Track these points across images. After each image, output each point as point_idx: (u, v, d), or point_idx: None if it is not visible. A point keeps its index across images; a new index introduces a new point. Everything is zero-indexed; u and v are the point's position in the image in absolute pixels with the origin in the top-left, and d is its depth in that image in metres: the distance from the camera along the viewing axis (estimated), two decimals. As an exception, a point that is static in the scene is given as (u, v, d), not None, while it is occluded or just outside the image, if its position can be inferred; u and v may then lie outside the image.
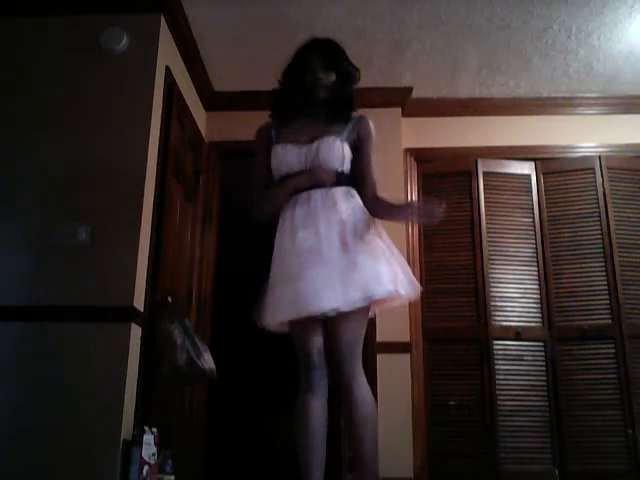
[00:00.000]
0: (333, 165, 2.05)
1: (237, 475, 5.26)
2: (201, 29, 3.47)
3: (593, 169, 3.98)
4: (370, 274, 1.91)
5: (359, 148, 2.12)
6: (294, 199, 2.06)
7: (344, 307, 1.86)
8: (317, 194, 2.03)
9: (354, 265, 1.91)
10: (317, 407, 1.99)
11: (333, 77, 2.16)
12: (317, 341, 2.00)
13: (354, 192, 2.10)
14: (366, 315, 2.01)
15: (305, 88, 2.14)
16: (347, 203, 2.04)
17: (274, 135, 2.17)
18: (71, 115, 3.00)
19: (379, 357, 3.59)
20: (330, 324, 1.96)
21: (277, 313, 1.97)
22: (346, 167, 2.09)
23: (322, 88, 2.13)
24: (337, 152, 2.05)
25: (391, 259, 2.02)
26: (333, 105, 2.15)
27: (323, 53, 2.16)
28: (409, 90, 4.03)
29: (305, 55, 2.18)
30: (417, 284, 2.06)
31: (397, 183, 3.92)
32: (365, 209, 2.07)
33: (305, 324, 1.97)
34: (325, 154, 2.04)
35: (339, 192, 2.05)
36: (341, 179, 2.07)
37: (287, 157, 2.08)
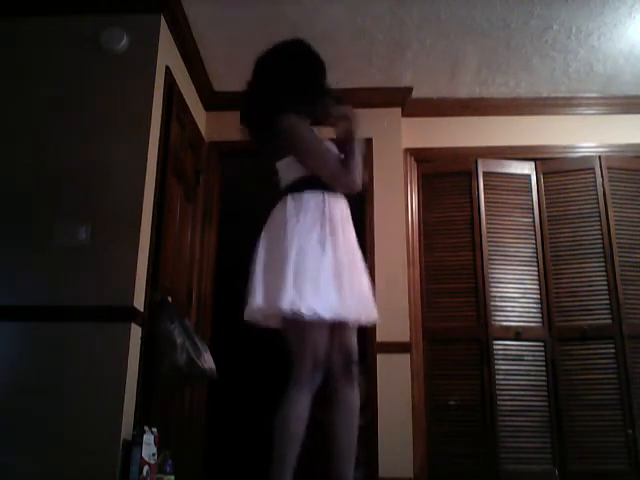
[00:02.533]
0: None
1: (237, 475, 5.26)
2: (201, 29, 3.47)
3: (593, 169, 3.98)
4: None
5: None
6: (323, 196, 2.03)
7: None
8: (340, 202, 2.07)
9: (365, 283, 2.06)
10: (307, 407, 1.99)
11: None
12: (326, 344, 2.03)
13: None
14: None
15: (323, 95, 2.16)
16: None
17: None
18: (71, 115, 3.00)
19: (379, 357, 3.59)
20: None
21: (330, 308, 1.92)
22: None
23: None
24: None
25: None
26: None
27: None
28: (409, 90, 4.03)
29: (320, 62, 2.19)
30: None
31: (397, 183, 3.92)
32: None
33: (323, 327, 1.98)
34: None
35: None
36: None
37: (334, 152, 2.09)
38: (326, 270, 1.92)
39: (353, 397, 2.03)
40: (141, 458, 2.51)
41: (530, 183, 4.02)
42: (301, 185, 2.05)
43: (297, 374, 1.97)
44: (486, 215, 3.91)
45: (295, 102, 2.11)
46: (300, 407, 1.97)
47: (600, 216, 3.87)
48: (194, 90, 3.81)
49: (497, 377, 3.63)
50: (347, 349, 2.04)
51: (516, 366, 3.67)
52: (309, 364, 1.97)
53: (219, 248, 3.98)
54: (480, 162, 4.03)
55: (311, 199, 2.01)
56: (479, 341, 3.71)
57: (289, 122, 2.03)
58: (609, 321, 3.70)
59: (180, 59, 3.49)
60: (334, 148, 2.09)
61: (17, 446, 2.54)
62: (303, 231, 1.96)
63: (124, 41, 3.07)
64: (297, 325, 1.92)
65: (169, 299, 3.02)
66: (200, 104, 3.96)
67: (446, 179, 4.06)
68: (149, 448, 2.55)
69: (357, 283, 2.00)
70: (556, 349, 3.70)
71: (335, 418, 2.02)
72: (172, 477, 2.74)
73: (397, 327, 3.62)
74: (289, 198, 2.04)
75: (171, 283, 3.23)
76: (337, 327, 2.00)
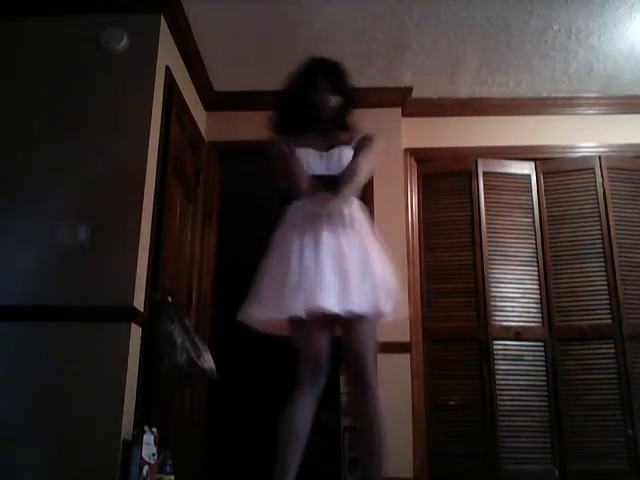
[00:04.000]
0: None
1: (237, 475, 5.26)
2: (201, 29, 3.47)
3: (593, 169, 3.98)
4: None
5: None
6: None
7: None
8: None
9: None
10: (311, 408, 2.01)
11: (339, 99, 2.24)
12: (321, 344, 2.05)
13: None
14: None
15: (311, 107, 2.21)
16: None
17: (291, 144, 2.19)
18: (71, 115, 3.00)
19: (379, 357, 3.56)
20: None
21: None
22: None
23: (328, 109, 2.22)
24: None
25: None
26: (338, 124, 2.25)
27: (329, 75, 2.24)
28: (409, 90, 4.03)
29: (311, 75, 2.24)
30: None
31: (397, 183, 3.92)
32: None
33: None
34: (344, 162, 2.13)
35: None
36: None
37: (310, 160, 2.13)
38: (292, 273, 1.99)
39: (368, 403, 1.99)
40: (141, 458, 2.51)
41: (530, 183, 4.02)
42: (287, 198, 2.17)
43: (299, 375, 2.01)
44: (486, 215, 3.91)
45: (278, 121, 2.26)
46: (302, 407, 1.99)
47: (600, 216, 3.87)
48: (194, 90, 3.81)
49: (497, 377, 3.63)
50: (352, 349, 2.02)
51: (516, 366, 3.67)
52: (304, 365, 2.01)
53: (219, 248, 3.98)
54: (480, 162, 4.03)
55: (291, 209, 2.14)
56: (479, 341, 3.71)
57: (269, 143, 2.20)
58: (609, 321, 3.70)
59: (180, 59, 3.49)
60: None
61: (17, 446, 2.54)
62: (280, 242, 2.09)
63: (124, 41, 3.07)
64: (289, 329, 2.04)
65: (169, 299, 3.02)
66: (200, 104, 3.96)
67: (446, 179, 4.06)
68: (149, 448, 2.55)
69: (354, 277, 1.97)
70: (556, 349, 3.70)
71: (355, 423, 2.06)
72: (172, 477, 2.74)
73: (397, 327, 3.61)
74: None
75: (171, 283, 3.23)
76: (342, 326, 2.01)
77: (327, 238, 2.02)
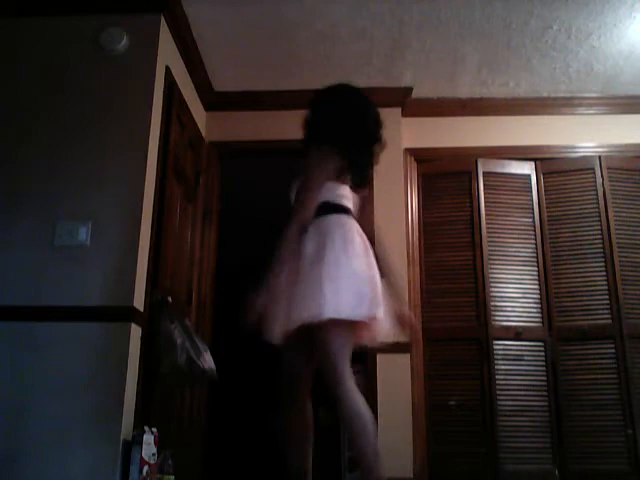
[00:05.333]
0: None
1: (237, 475, 5.26)
2: (201, 29, 3.47)
3: (593, 169, 3.98)
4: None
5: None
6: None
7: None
8: None
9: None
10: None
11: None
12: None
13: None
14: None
15: (371, 144, 2.25)
16: None
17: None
18: (71, 115, 3.00)
19: (379, 357, 3.59)
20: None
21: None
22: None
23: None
24: None
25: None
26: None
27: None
28: (409, 90, 4.03)
29: (374, 114, 2.26)
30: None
31: (397, 183, 3.92)
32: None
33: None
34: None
35: None
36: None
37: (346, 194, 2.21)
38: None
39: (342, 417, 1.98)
40: (141, 458, 2.50)
41: (530, 183, 4.02)
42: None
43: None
44: (486, 215, 3.91)
45: (337, 141, 2.17)
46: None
47: (600, 216, 3.87)
48: (194, 90, 3.81)
49: (497, 377, 3.63)
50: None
51: (516, 366, 3.67)
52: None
53: (219, 248, 3.98)
54: (480, 162, 4.03)
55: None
56: (479, 341, 3.71)
57: (317, 150, 2.17)
58: (609, 321, 3.70)
59: (180, 59, 3.49)
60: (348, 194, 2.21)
61: (17, 446, 2.54)
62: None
63: (124, 41, 3.07)
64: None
65: (169, 299, 3.01)
66: (200, 104, 3.96)
67: (446, 179, 4.06)
68: (149, 448, 2.55)
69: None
70: (556, 349, 3.70)
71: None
72: (172, 477, 2.74)
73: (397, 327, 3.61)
74: None
75: (171, 283, 3.23)
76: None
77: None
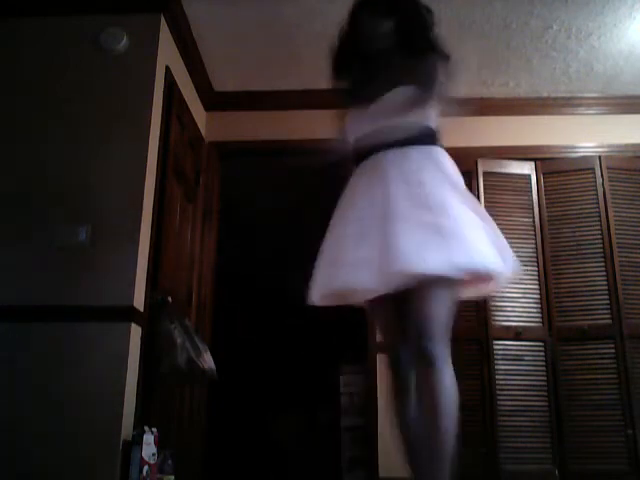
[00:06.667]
0: None
1: (237, 475, 5.26)
2: (201, 29, 3.47)
3: (593, 169, 3.98)
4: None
5: None
6: None
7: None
8: None
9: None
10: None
11: (390, 23, 1.86)
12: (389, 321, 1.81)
13: None
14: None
15: (354, 43, 1.87)
16: None
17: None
18: (71, 115, 3.00)
19: (379, 357, 3.59)
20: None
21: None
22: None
23: (376, 38, 1.85)
24: None
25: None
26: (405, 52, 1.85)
27: (373, 3, 1.88)
28: (409, 90, 4.02)
29: (352, 14, 1.92)
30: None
31: (397, 183, 3.92)
32: None
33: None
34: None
35: None
36: None
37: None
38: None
39: (427, 388, 1.65)
40: (141, 458, 2.51)
41: (530, 183, 4.01)
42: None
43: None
44: (486, 215, 3.91)
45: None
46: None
47: (600, 216, 3.87)
48: (194, 90, 3.81)
49: (497, 377, 3.63)
50: (413, 323, 1.69)
51: (516, 366, 3.67)
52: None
53: (219, 248, 3.98)
54: (480, 162, 4.03)
55: None
56: (479, 341, 3.71)
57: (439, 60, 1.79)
58: (609, 321, 3.70)
59: (180, 59, 3.49)
60: None
61: (17, 446, 2.54)
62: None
63: (124, 41, 3.07)
64: None
65: (169, 299, 3.02)
66: (200, 104, 3.96)
67: (446, 179, 4.05)
68: (149, 448, 2.55)
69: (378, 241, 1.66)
70: (556, 349, 3.70)
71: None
72: (172, 477, 2.74)
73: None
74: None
75: (171, 283, 3.23)
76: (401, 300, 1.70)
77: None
